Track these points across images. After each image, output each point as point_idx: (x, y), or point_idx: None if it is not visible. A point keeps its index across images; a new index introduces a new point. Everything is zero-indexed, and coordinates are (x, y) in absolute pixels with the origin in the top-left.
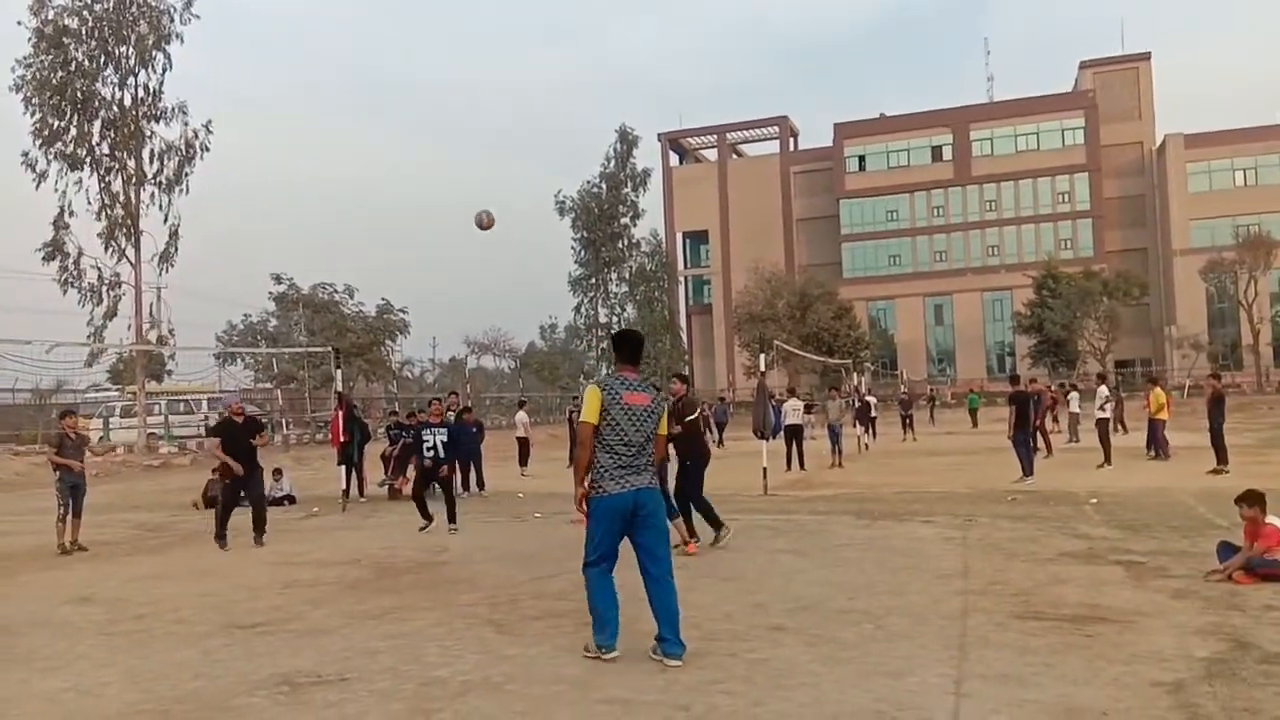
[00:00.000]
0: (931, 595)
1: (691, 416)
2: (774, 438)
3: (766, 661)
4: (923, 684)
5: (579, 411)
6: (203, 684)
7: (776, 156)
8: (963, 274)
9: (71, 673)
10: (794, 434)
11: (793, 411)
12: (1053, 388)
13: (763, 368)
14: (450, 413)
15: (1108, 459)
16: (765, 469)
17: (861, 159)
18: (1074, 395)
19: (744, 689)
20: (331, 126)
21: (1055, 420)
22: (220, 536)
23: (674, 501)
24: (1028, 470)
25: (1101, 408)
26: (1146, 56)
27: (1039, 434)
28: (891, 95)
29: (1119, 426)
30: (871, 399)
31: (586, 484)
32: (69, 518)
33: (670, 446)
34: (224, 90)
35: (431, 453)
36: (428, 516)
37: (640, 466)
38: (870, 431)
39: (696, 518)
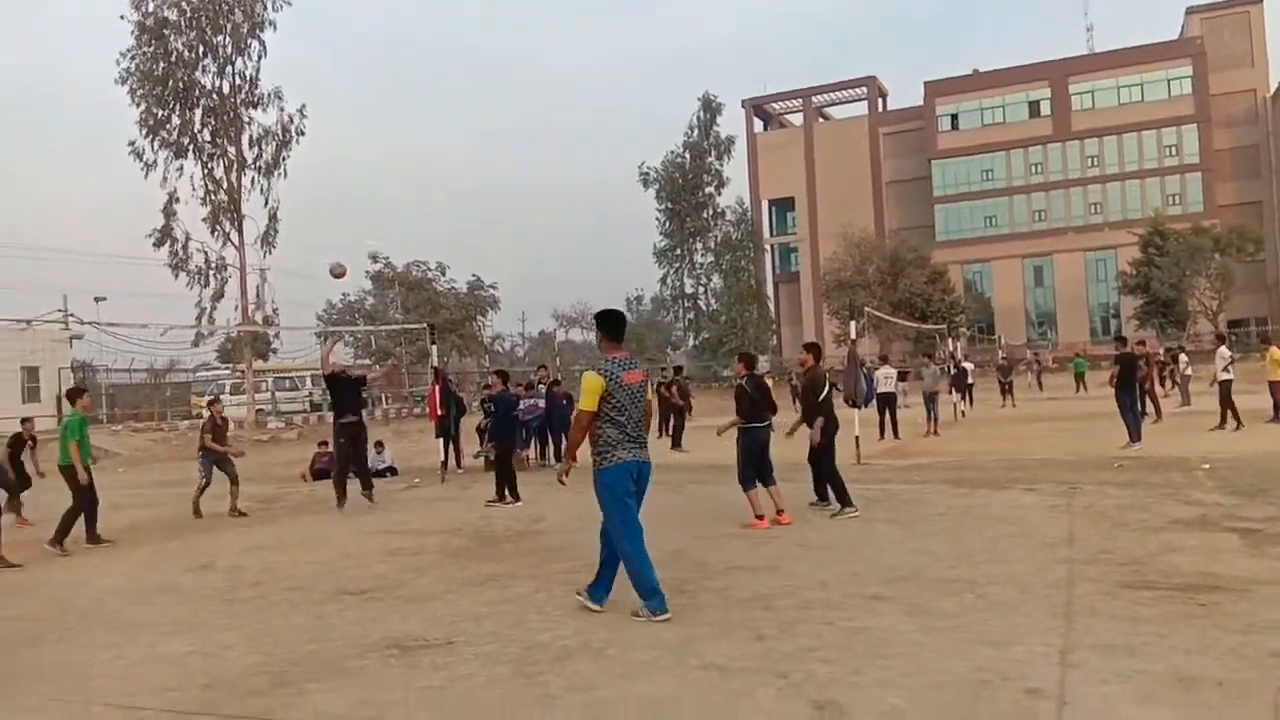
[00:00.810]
0: (1035, 564)
1: (822, 396)
2: (866, 406)
3: (865, 630)
4: (1028, 653)
5: (665, 384)
6: (318, 647)
7: (865, 118)
8: (1063, 233)
9: (196, 636)
10: (887, 402)
11: (885, 379)
12: (1159, 353)
13: (853, 335)
14: (541, 385)
15: (1224, 421)
16: (858, 438)
17: (954, 117)
18: (1184, 357)
19: (842, 657)
20: (412, 103)
21: (1163, 384)
22: (340, 496)
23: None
24: (1135, 435)
25: (1226, 369)
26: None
27: (1148, 398)
28: (985, 50)
29: None
30: (968, 365)
31: (594, 458)
32: (209, 487)
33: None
34: (309, 69)
35: (488, 421)
36: (502, 495)
37: (642, 441)
38: (967, 398)
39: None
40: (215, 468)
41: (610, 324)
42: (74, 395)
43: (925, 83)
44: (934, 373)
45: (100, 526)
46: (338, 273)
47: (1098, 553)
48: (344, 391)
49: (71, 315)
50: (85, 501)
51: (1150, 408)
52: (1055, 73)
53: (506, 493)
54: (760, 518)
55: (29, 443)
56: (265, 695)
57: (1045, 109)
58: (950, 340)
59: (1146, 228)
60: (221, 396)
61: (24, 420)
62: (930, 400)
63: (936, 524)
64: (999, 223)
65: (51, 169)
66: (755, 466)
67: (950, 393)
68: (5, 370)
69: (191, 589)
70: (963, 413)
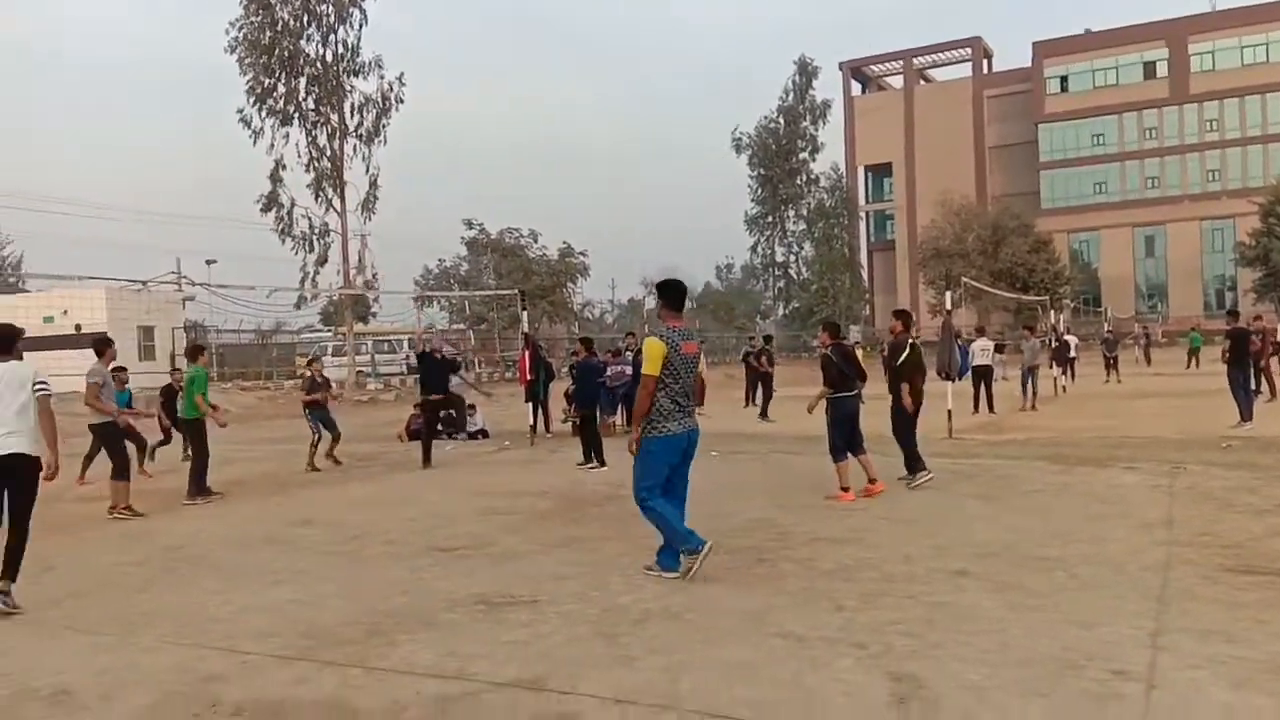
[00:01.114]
0: (1131, 545)
1: (901, 359)
2: (960, 379)
3: (947, 605)
4: (1117, 635)
5: (754, 353)
6: (410, 600)
7: (968, 80)
8: (1178, 202)
9: (297, 585)
10: (982, 375)
11: (980, 352)
12: (1276, 329)
13: (948, 306)
14: (628, 352)
15: None
16: (950, 411)
17: (1064, 79)
18: None
19: (923, 631)
20: (504, 68)
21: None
22: (425, 459)
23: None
24: (1246, 414)
25: None
26: None
27: (1262, 375)
28: (1098, 8)
29: None
30: (1071, 338)
31: (643, 426)
32: (320, 443)
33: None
34: (405, 37)
35: (573, 387)
36: (589, 458)
37: (691, 409)
38: (1069, 373)
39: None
40: (321, 424)
41: (671, 293)
42: (195, 353)
43: (1034, 43)
44: (1034, 345)
45: (209, 479)
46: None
47: (1198, 535)
48: (432, 370)
49: (184, 277)
50: (207, 452)
51: (1265, 385)
52: (1173, 32)
53: (593, 456)
54: (846, 490)
55: (180, 391)
56: (360, 644)
57: (1161, 70)
58: (1053, 312)
59: (1268, 196)
60: (323, 357)
61: (174, 370)
62: (1029, 374)
63: (1029, 501)
64: (1109, 190)
65: (164, 134)
66: (845, 437)
67: (1050, 366)
68: (124, 329)
69: (294, 541)
70: (1064, 387)
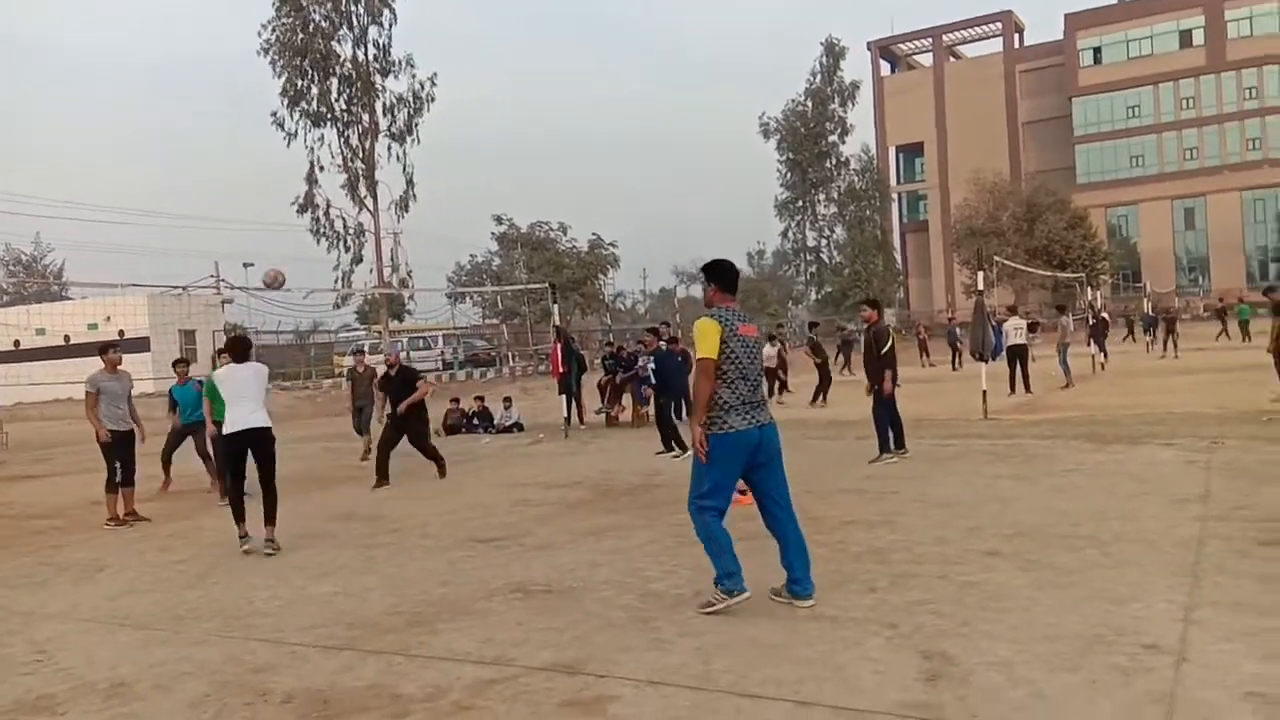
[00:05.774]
0: (1165, 521)
1: (885, 348)
2: (995, 359)
3: (978, 585)
4: (1148, 610)
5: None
6: (449, 590)
7: (999, 56)
8: (1218, 172)
9: (340, 579)
10: (1017, 355)
11: (1014, 331)
12: None
13: (980, 286)
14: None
15: None
16: (985, 392)
17: (1097, 51)
18: None
19: (953, 610)
20: (532, 61)
21: None
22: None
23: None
24: None
25: None
26: None
27: None
28: None
29: None
30: (1106, 315)
31: (708, 423)
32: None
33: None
34: (429, 30)
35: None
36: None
37: (760, 401)
38: (1104, 351)
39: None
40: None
41: (723, 276)
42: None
43: (1066, 15)
44: (1066, 323)
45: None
46: (273, 283)
47: (1233, 509)
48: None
49: (223, 280)
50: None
51: None
52: None
53: (672, 444)
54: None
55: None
56: (402, 633)
57: (1198, 38)
58: (1089, 289)
59: None
60: (361, 351)
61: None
62: (1063, 351)
63: (1064, 480)
64: (1146, 163)
65: (195, 139)
66: None
67: (1088, 344)
68: (166, 333)
69: (335, 536)
70: (1101, 365)
